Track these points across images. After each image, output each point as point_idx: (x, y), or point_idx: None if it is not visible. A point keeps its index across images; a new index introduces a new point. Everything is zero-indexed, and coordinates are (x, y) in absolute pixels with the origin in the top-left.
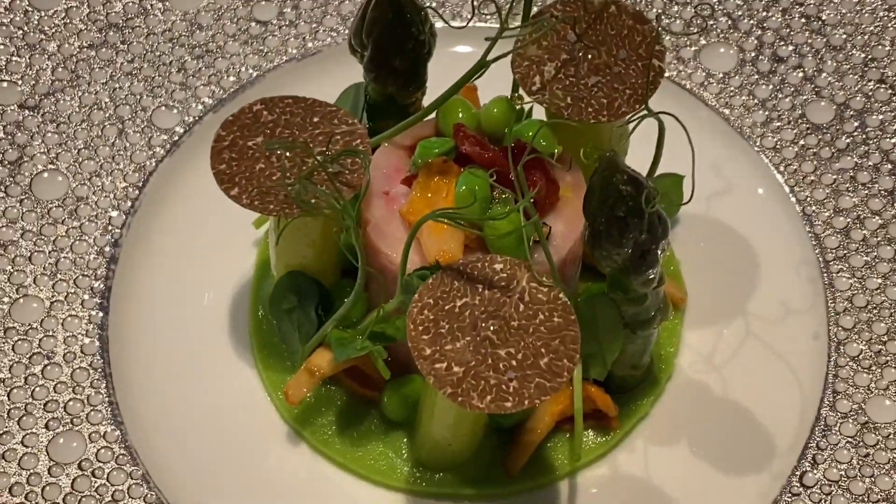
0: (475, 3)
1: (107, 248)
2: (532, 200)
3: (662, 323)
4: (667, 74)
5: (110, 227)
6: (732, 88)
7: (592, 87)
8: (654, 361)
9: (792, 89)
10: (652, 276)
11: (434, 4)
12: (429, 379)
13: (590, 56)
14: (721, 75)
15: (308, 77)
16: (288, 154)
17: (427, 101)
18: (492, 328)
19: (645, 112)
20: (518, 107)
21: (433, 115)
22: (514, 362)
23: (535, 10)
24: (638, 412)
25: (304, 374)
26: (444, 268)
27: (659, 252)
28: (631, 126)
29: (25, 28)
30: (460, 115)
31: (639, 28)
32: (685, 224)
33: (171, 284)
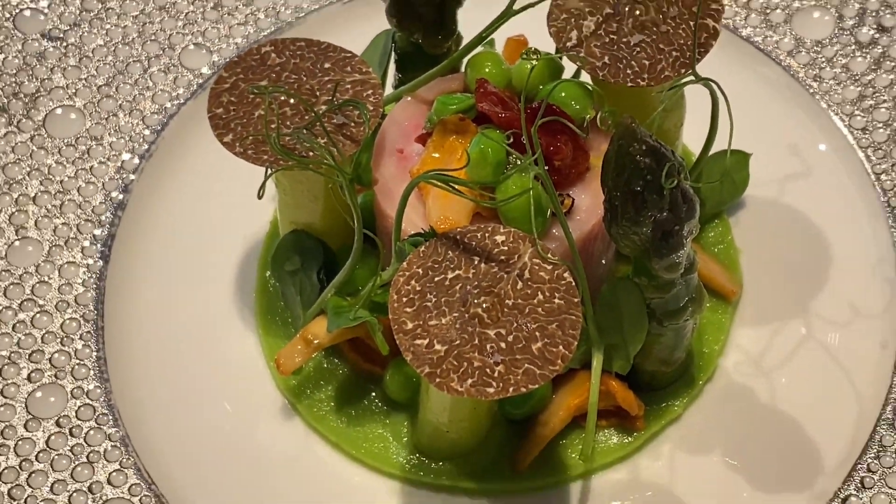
0: None
1: (115, 194)
2: (556, 168)
3: (699, 315)
4: (752, 39)
5: (122, 171)
6: (824, 59)
7: (635, 46)
8: (692, 358)
9: (894, 64)
10: (678, 260)
11: None
12: (406, 355)
13: (637, 11)
14: (812, 43)
15: (351, 21)
16: (291, 101)
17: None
18: (483, 305)
19: (690, 78)
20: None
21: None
22: (503, 344)
23: None
24: (667, 414)
25: (300, 342)
26: (439, 236)
27: (685, 234)
28: (666, 95)
29: None
30: (487, 69)
31: None
32: (751, 209)
33: (181, 236)
